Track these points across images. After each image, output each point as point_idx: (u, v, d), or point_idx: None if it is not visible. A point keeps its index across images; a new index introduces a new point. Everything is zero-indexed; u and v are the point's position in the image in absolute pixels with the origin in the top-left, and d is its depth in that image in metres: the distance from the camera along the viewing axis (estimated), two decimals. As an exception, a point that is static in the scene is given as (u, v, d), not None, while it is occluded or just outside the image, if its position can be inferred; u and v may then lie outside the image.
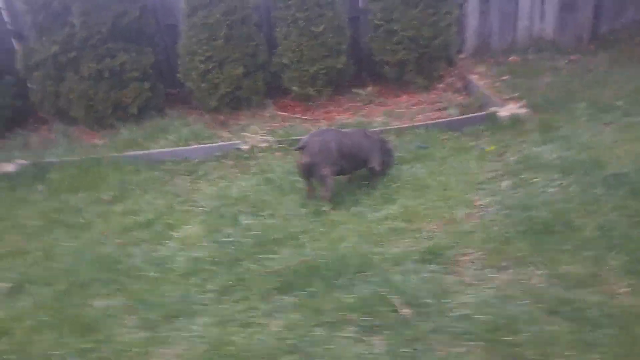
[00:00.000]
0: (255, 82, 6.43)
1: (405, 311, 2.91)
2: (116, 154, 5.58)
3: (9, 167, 5.45)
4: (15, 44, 6.69)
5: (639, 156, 4.29)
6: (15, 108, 6.62)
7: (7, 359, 2.89)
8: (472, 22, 7.49)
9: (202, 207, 4.46)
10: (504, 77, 6.69)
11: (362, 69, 6.81)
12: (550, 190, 4.02)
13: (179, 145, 5.75)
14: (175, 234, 4.09)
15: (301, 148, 4.06)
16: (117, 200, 4.77)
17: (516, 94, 6.09)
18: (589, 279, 3.00)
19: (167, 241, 4.00)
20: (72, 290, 3.47)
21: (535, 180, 4.19)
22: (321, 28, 6.15)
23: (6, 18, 6.73)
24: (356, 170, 4.43)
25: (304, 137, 4.18)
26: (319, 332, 2.87)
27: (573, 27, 7.65)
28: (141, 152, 5.55)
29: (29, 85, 6.37)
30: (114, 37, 6.11)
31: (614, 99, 5.72)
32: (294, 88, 6.40)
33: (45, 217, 4.49)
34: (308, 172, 4.16)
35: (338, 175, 4.24)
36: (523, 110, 5.48)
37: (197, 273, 3.52)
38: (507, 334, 2.66)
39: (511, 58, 7.37)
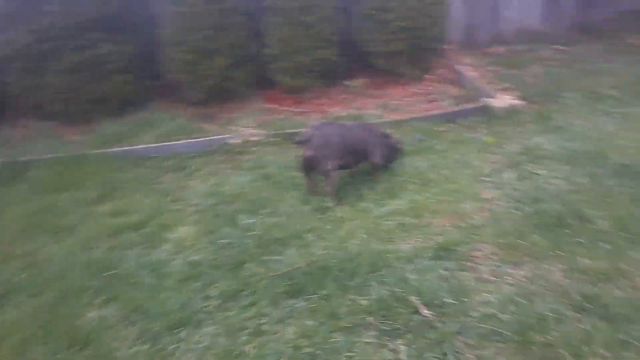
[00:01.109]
0: (244, 73, 6.20)
1: (426, 312, 2.77)
2: (100, 151, 5.30)
3: (-16, 166, 5.12)
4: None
5: (643, 147, 4.25)
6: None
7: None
8: (457, 13, 7.38)
9: (196, 205, 4.24)
10: (494, 68, 6.63)
11: (352, 60, 6.63)
12: (557, 181, 3.94)
13: (165, 140, 5.49)
14: (169, 236, 3.86)
15: (303, 142, 3.88)
16: (103, 200, 4.51)
17: (508, 85, 6.04)
18: (611, 273, 2.91)
19: (161, 244, 3.78)
20: (62, 300, 3.21)
21: (540, 171, 4.10)
22: (313, 18, 5.95)
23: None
24: (358, 164, 4.27)
25: (305, 131, 3.99)
26: (337, 338, 2.70)
27: (558, 18, 7.64)
28: (127, 148, 5.29)
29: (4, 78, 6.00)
30: (95, 27, 5.79)
31: (606, 88, 5.71)
32: (285, 80, 6.20)
33: (27, 219, 4.20)
34: (310, 166, 3.98)
35: (340, 169, 4.07)
36: (518, 101, 5.41)
37: (198, 278, 3.31)
38: (537, 333, 2.55)
39: (499, 49, 7.30)
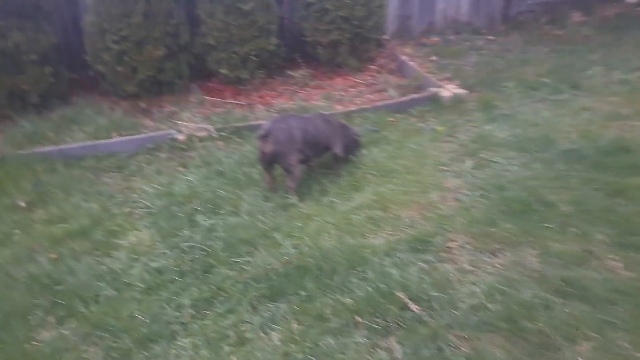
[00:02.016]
0: (179, 64, 5.82)
1: (415, 307, 2.72)
2: (22, 151, 4.74)
3: None
4: None
5: (585, 132, 4.48)
6: None
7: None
8: (392, 3, 7.42)
9: (146, 208, 3.90)
10: (432, 58, 6.74)
11: (293, 51, 6.46)
12: (514, 168, 4.05)
13: (98, 138, 5.03)
14: (121, 242, 3.52)
15: (264, 136, 3.68)
16: (35, 206, 4.03)
17: (449, 75, 6.15)
18: (583, 255, 3.03)
19: (113, 251, 3.44)
20: (6, 324, 2.82)
21: (496, 159, 4.20)
22: (249, 5, 5.70)
23: None
24: (318, 157, 4.14)
25: (265, 124, 3.80)
26: (327, 340, 2.58)
27: (486, 10, 7.92)
28: (55, 148, 4.77)
29: None
30: (5, 13, 5.16)
31: (537, 76, 5.99)
32: (223, 71, 5.90)
33: (-53, 233, 3.67)
34: (271, 161, 3.79)
35: (302, 163, 3.92)
36: (462, 90, 5.52)
37: (163, 286, 3.05)
38: (527, 321, 2.58)
39: (433, 39, 7.44)
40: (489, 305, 2.70)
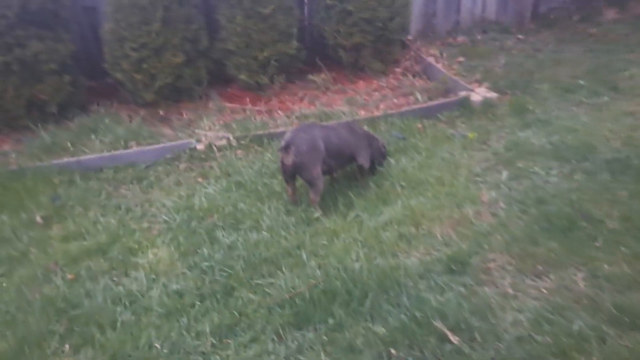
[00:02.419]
0: (197, 70, 5.67)
1: (455, 338, 2.49)
2: (39, 163, 4.63)
3: None
4: None
5: (628, 138, 4.20)
6: None
7: None
8: (416, 2, 7.17)
9: (165, 223, 3.75)
10: (459, 59, 6.48)
11: (314, 54, 6.26)
12: (554, 179, 3.79)
13: (116, 148, 4.89)
14: (140, 261, 3.37)
15: (285, 147, 3.48)
16: (52, 222, 3.90)
17: (477, 76, 5.90)
18: (636, 278, 2.76)
19: (132, 271, 3.28)
20: (23, 350, 2.68)
21: (534, 169, 3.94)
22: (270, 9, 5.52)
23: None
24: (342, 168, 3.93)
25: (287, 134, 3.61)
26: (360, 375, 2.37)
27: (514, 7, 7.61)
28: (73, 160, 4.65)
29: None
30: (23, 23, 5.06)
31: (573, 78, 5.68)
32: (242, 76, 5.73)
33: (-39, 250, 3.56)
34: (293, 173, 3.60)
35: (325, 174, 3.72)
36: (493, 94, 5.25)
37: (183, 311, 2.87)
38: (580, 355, 2.34)
39: (459, 39, 7.18)
40: (537, 337, 2.46)
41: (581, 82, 5.52)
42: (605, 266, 2.87)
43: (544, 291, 2.77)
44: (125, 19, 5.27)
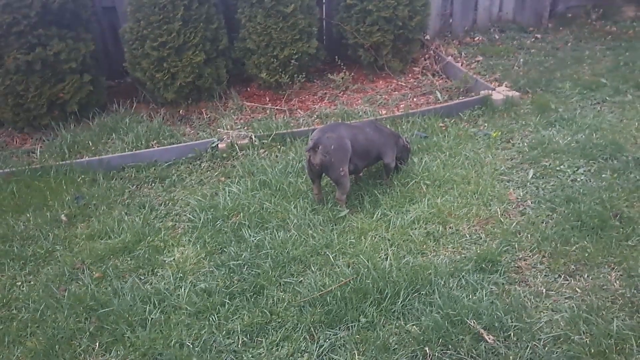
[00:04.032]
0: (217, 69, 5.67)
1: (490, 337, 2.46)
2: (62, 162, 4.65)
3: None
4: None
5: (657, 137, 4.13)
6: None
7: None
8: (434, 2, 7.11)
9: (190, 221, 3.74)
10: (478, 58, 6.44)
11: (332, 53, 6.24)
12: (582, 178, 3.75)
13: (137, 147, 4.91)
14: (166, 259, 3.37)
15: (313, 147, 3.46)
16: (77, 220, 3.92)
17: (496, 75, 5.85)
18: (674, 278, 2.72)
19: (158, 269, 3.29)
20: (51, 351, 2.68)
21: (560, 167, 3.89)
22: (291, 8, 5.50)
23: None
24: (368, 167, 3.91)
25: (314, 134, 3.59)
26: (395, 375, 2.35)
27: (532, 6, 7.54)
28: (95, 158, 4.66)
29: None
30: (44, 23, 5.09)
31: (595, 76, 5.62)
32: (262, 75, 5.72)
33: (-12, 249, 3.58)
34: (320, 173, 3.58)
35: (351, 174, 3.70)
36: (514, 92, 5.20)
37: (213, 309, 2.87)
38: (619, 357, 2.30)
39: (477, 38, 7.12)
40: (574, 337, 2.42)
41: (603, 80, 5.46)
42: (640, 265, 2.82)
43: (578, 291, 2.73)
44: (145, 18, 5.28)
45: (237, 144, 4.66)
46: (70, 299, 3.01)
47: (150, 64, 5.42)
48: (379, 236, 3.32)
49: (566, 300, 2.68)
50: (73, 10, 5.31)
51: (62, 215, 3.96)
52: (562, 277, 2.84)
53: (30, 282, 3.29)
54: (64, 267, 3.34)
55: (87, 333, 2.77)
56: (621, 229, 3.11)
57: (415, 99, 5.56)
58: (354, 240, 3.29)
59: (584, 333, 2.44)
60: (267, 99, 5.81)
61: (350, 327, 2.64)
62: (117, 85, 6.49)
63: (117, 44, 6.02)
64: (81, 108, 5.48)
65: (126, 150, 4.87)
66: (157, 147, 4.87)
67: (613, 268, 2.85)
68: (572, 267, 2.89)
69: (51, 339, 2.73)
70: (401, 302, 2.74)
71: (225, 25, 5.70)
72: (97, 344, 2.71)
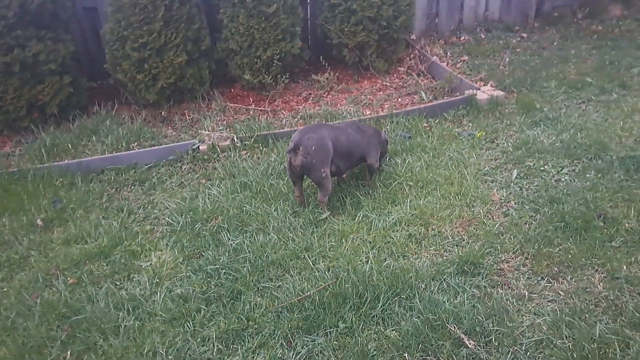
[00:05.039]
0: (200, 70, 5.59)
1: (471, 342, 2.41)
2: (40, 165, 4.55)
3: None
4: None
5: (641, 136, 4.11)
6: None
7: None
8: (420, 2, 7.08)
9: (169, 224, 3.66)
10: (464, 58, 6.40)
11: (316, 53, 6.18)
12: (566, 178, 3.71)
13: (118, 149, 4.81)
14: (143, 264, 3.29)
15: (294, 148, 3.40)
16: (53, 225, 3.82)
17: (482, 75, 5.82)
18: (659, 280, 2.67)
19: (135, 275, 3.20)
20: (24, 357, 2.60)
21: (545, 168, 3.86)
22: (273, 8, 5.44)
23: None
24: (351, 168, 3.85)
25: (295, 135, 3.52)
26: (373, 382, 2.29)
27: (518, 5, 7.53)
28: (74, 161, 4.56)
29: None
30: (23, 23, 4.99)
31: (580, 75, 5.60)
32: (246, 76, 5.64)
33: (-40, 255, 3.47)
34: (301, 174, 3.52)
35: (333, 176, 3.64)
36: (499, 92, 5.17)
37: (188, 316, 2.79)
38: (603, 361, 2.25)
39: (463, 38, 7.09)
40: (556, 342, 2.37)
41: (589, 79, 5.44)
42: (624, 267, 2.78)
43: (561, 293, 2.68)
44: (126, 18, 5.19)
45: (218, 146, 4.58)
46: (43, 306, 2.92)
47: (131, 65, 5.33)
48: (360, 239, 3.26)
49: (549, 304, 2.63)
50: (52, 11, 5.21)
51: (39, 219, 3.86)
52: (545, 279, 2.80)
53: (3, 288, 3.19)
54: (38, 273, 3.25)
55: (59, 341, 2.68)
56: (605, 230, 3.07)
57: (400, 99, 5.51)
58: (334, 243, 3.23)
59: (566, 337, 2.39)
60: (251, 100, 5.73)
61: (328, 333, 2.57)
62: (99, 87, 6.38)
63: (98, 45, 5.91)
64: (61, 110, 5.38)
65: (106, 152, 4.78)
66: (138, 149, 4.77)
67: (597, 270, 2.81)
68: (555, 269, 2.85)
69: (21, 348, 2.64)
70: (381, 307, 2.67)
71: (208, 25, 5.62)
72: (69, 352, 2.63)
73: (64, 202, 4.07)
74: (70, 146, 4.94)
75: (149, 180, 4.34)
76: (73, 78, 5.42)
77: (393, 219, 3.40)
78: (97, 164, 4.56)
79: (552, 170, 3.81)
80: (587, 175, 3.67)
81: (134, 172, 4.47)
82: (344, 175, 3.93)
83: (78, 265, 3.32)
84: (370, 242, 3.22)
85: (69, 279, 3.20)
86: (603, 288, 2.68)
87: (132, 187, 4.29)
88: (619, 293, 2.62)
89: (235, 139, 4.61)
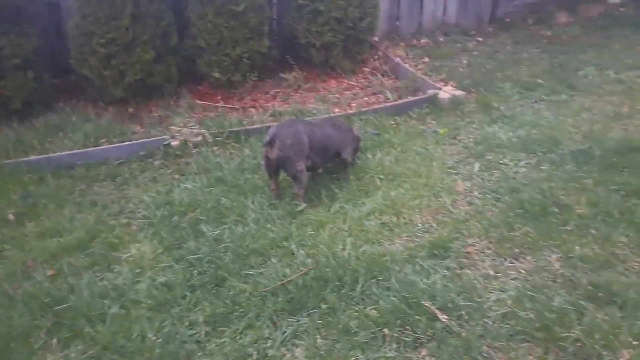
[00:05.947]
0: (168, 67, 5.62)
1: (444, 317, 2.61)
2: (9, 161, 4.47)
3: None
4: None
5: (589, 132, 4.47)
6: None
7: None
8: (383, 4, 7.32)
9: (146, 218, 3.71)
10: (425, 60, 6.68)
11: (284, 53, 6.31)
12: (523, 170, 4.00)
13: (86, 146, 4.79)
14: (122, 255, 3.33)
15: (270, 142, 3.53)
16: (25, 219, 3.79)
17: (442, 76, 6.10)
18: (608, 259, 2.97)
19: (115, 265, 3.25)
20: (9, 347, 2.61)
21: (503, 161, 4.14)
22: (242, 7, 5.54)
23: None
24: (326, 164, 4.00)
25: (271, 129, 3.65)
26: (356, 356, 2.45)
27: (474, 11, 7.91)
28: (42, 157, 4.52)
29: None
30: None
31: (533, 77, 5.97)
32: (214, 74, 5.71)
33: None
34: (277, 168, 3.65)
35: (309, 170, 3.78)
36: (460, 92, 5.46)
37: (174, 303, 2.87)
38: (562, 329, 2.50)
39: (423, 41, 7.39)
40: (520, 313, 2.61)
41: (540, 81, 5.81)
42: (577, 248, 3.06)
43: (523, 272, 2.93)
44: (93, 13, 5.17)
45: (190, 142, 4.64)
46: (25, 297, 2.93)
47: (98, 61, 5.30)
48: (337, 228, 3.42)
49: (512, 281, 2.87)
50: (17, 5, 5.13)
51: (10, 214, 3.82)
52: (508, 260, 3.04)
53: (-21, 282, 3.16)
54: (16, 265, 3.24)
55: (44, 329, 2.71)
56: (559, 216, 3.35)
57: (366, 98, 5.72)
58: (312, 232, 3.37)
59: (529, 309, 2.63)
60: (220, 98, 5.79)
61: (311, 314, 2.72)
62: (61, 83, 6.28)
63: (61, 41, 5.83)
64: (24, 106, 5.29)
65: (75, 149, 4.74)
66: (107, 145, 4.77)
67: (553, 251, 3.08)
68: (517, 250, 3.10)
69: (6, 337, 2.65)
70: (360, 288, 2.84)
71: (176, 22, 5.65)
72: (55, 339, 2.66)
73: (34, 197, 4.04)
74: (36, 142, 4.86)
75: (121, 175, 4.35)
76: (37, 74, 5.34)
77: (367, 209, 3.58)
78: (66, 159, 4.52)
79: (511, 163, 4.09)
80: (542, 167, 3.97)
81: (105, 167, 4.46)
82: (319, 170, 4.07)
83: (56, 258, 3.32)
84: (346, 231, 3.38)
85: (48, 270, 3.20)
86: (560, 266, 2.94)
87: (104, 183, 4.29)
88: (573, 270, 2.89)
89: (207, 135, 4.68)
